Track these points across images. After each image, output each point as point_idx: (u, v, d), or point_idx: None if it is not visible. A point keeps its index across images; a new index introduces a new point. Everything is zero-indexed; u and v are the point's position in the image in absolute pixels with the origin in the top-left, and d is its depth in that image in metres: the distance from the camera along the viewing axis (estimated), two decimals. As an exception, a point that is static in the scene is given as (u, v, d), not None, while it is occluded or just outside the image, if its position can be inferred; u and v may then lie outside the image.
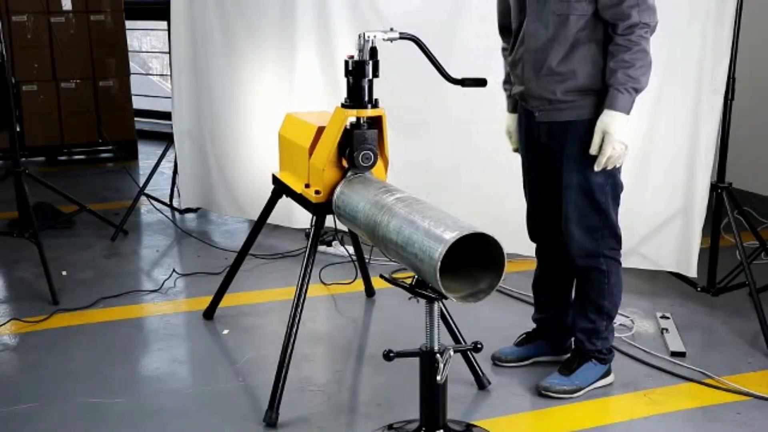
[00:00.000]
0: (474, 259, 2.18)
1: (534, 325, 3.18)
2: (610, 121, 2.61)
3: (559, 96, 2.70)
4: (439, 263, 2.06)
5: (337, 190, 2.69)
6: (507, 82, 2.99)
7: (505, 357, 3.12)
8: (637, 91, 2.63)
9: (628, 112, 2.63)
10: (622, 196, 2.84)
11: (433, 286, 2.18)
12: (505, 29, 2.96)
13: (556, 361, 3.05)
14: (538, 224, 2.99)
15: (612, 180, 2.78)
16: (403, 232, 2.25)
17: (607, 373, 2.98)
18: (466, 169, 4.09)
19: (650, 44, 2.64)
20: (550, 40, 2.67)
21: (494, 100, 3.16)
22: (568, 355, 3.04)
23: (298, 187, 2.92)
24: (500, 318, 2.76)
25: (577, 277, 2.95)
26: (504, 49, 3.00)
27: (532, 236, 3.06)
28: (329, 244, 4.25)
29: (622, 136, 2.63)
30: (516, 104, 2.97)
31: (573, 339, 3.03)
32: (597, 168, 2.67)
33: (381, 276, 2.59)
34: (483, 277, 2.18)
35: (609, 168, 2.68)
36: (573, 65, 2.67)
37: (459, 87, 2.83)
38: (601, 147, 2.64)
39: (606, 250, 2.84)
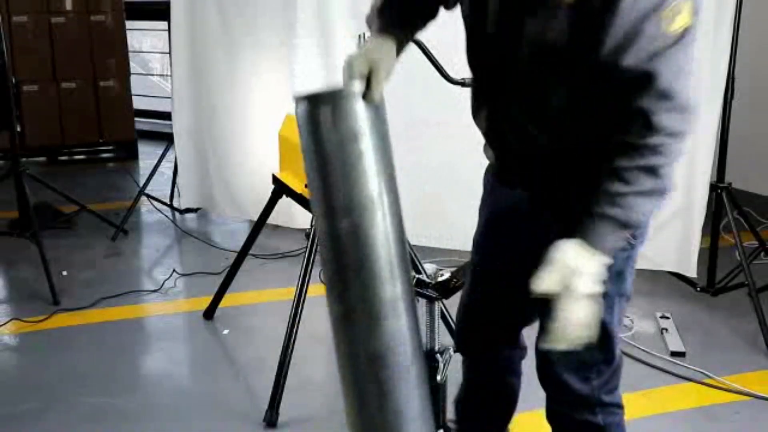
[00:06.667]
0: None
1: None
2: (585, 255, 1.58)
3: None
4: None
5: None
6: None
7: None
8: (628, 227, 1.61)
9: (608, 253, 1.62)
10: None
11: None
12: None
13: None
14: (479, 329, 2.07)
15: (619, 282, 1.89)
16: None
17: None
18: (466, 170, 4.08)
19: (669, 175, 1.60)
20: None
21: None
22: None
23: (298, 187, 2.92)
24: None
25: None
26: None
27: (468, 346, 2.15)
28: (329, 244, 4.24)
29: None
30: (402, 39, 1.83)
31: None
32: (551, 343, 1.61)
33: (381, 276, 2.58)
34: None
35: (560, 347, 1.61)
36: None
37: (459, 87, 2.83)
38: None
39: (605, 395, 1.86)
